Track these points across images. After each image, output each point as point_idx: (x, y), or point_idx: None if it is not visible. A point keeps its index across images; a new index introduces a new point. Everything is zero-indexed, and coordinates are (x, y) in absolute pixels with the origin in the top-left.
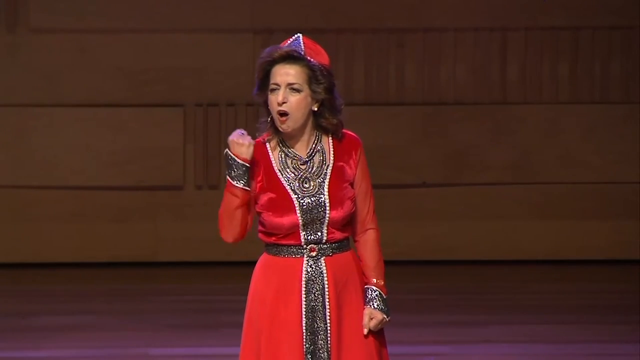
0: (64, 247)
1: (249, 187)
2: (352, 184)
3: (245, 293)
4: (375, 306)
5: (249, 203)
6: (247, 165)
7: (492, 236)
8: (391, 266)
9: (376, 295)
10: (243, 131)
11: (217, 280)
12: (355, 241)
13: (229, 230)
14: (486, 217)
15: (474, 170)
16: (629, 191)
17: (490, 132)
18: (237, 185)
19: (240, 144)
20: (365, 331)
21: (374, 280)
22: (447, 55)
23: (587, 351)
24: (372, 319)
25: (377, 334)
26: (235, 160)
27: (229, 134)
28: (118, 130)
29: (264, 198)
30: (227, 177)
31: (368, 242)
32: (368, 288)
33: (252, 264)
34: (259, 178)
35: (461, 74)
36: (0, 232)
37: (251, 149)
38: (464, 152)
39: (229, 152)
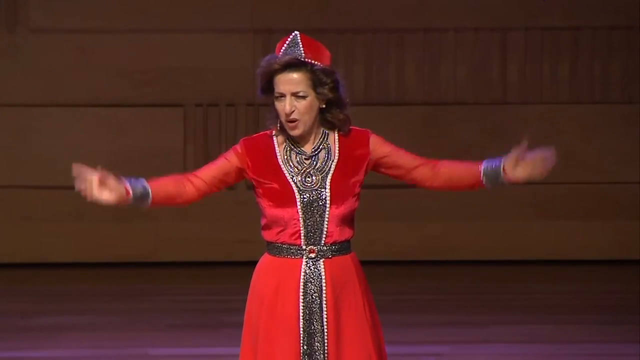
0: (64, 247)
1: (149, 198)
2: (361, 180)
3: (246, 293)
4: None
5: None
6: (125, 194)
7: (492, 236)
8: (391, 266)
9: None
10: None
11: (217, 281)
12: (432, 181)
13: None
14: (486, 217)
15: None
16: (629, 191)
17: (490, 133)
18: (149, 202)
19: (97, 192)
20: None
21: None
22: (447, 56)
23: (587, 351)
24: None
25: (376, 335)
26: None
27: (229, 134)
28: (118, 130)
29: (263, 186)
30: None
31: (443, 164)
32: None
33: (252, 264)
34: (257, 166)
35: (461, 74)
36: (0, 232)
37: (107, 191)
38: (464, 152)
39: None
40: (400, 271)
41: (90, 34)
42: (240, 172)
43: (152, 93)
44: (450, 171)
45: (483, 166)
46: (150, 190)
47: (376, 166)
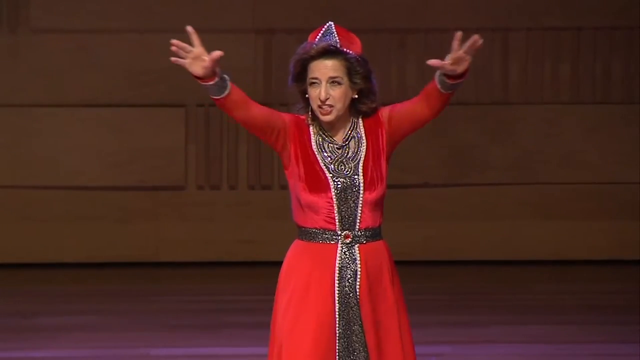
0: (64, 247)
1: (227, 90)
2: (388, 157)
3: (247, 293)
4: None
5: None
6: (211, 76)
7: (493, 236)
8: None
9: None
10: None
11: (217, 281)
12: (429, 107)
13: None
14: (487, 218)
15: (475, 171)
16: (629, 192)
17: (491, 133)
18: (220, 97)
19: (190, 63)
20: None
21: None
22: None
23: (587, 351)
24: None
25: (404, 320)
26: (202, 82)
27: (231, 134)
28: (119, 130)
29: (298, 169)
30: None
31: (423, 92)
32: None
33: (253, 264)
34: (295, 145)
35: None
36: (1, 232)
37: (198, 61)
38: (466, 152)
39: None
40: (400, 271)
41: (91, 34)
42: (281, 135)
43: (154, 93)
44: (426, 91)
45: (436, 77)
46: (229, 85)
47: (393, 132)
